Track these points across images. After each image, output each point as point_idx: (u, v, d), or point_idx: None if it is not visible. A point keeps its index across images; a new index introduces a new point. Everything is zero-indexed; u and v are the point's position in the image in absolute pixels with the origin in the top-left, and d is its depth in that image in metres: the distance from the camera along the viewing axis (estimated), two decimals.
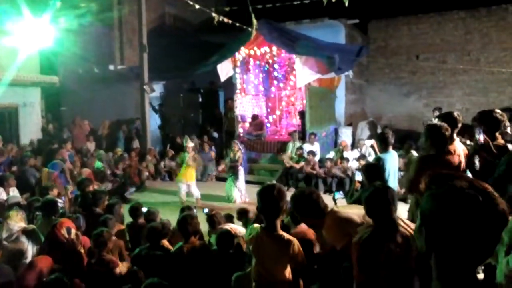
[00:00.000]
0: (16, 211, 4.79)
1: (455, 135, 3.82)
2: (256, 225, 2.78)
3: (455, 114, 3.96)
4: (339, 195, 5.07)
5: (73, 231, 4.04)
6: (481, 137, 3.59)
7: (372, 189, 2.38)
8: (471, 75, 12.29)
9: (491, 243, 1.09)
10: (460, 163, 3.62)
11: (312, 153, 9.69)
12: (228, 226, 4.85)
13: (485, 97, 12.06)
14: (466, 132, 5.75)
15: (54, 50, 10.66)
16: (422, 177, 3.58)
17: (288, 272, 2.62)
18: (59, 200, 6.57)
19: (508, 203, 1.18)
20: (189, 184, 8.31)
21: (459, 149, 3.69)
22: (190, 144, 8.53)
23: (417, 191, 3.55)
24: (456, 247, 1.09)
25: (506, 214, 1.08)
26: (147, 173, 10.70)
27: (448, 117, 3.89)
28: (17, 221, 4.65)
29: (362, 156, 9.25)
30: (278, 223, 2.67)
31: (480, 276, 3.01)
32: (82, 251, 4.10)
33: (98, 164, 9.51)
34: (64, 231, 3.95)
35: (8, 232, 4.49)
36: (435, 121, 3.98)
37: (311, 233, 4.16)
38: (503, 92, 11.98)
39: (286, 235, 2.71)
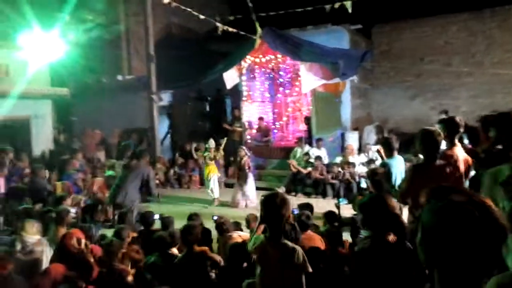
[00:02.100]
0: (32, 223, 4.93)
1: (456, 140, 3.86)
2: (259, 234, 2.84)
3: (458, 119, 3.95)
4: (344, 202, 5.15)
5: (83, 241, 4.16)
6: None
7: (369, 197, 2.43)
8: (476, 77, 12.29)
9: (492, 258, 1.09)
10: (456, 169, 3.58)
11: (319, 158, 9.77)
12: (237, 233, 4.95)
13: (491, 98, 12.04)
14: (472, 135, 5.79)
15: (63, 62, 10.89)
16: (413, 186, 3.63)
17: (293, 281, 2.66)
18: (72, 210, 6.73)
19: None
20: (211, 178, 9.01)
21: (459, 155, 3.65)
22: (212, 144, 9.25)
23: (410, 201, 3.58)
24: (456, 262, 1.09)
25: (505, 228, 1.08)
26: (157, 181, 10.84)
27: (450, 122, 3.91)
28: (32, 234, 4.78)
29: (371, 161, 9.29)
30: (282, 231, 2.73)
31: None
32: (92, 260, 4.22)
33: (109, 172, 9.68)
34: (74, 241, 4.07)
35: (22, 244, 4.61)
36: (437, 125, 4.02)
37: (318, 240, 4.26)
38: (508, 93, 11.95)
39: (290, 244, 2.77)
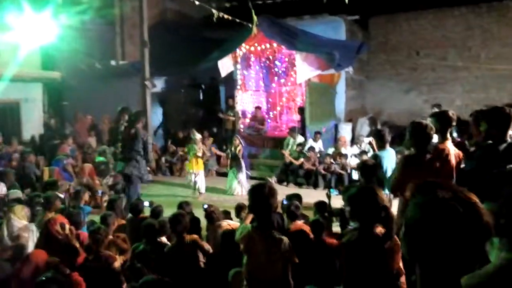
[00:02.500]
0: (21, 207, 4.87)
1: (448, 134, 3.85)
2: (247, 224, 2.83)
3: (450, 113, 3.94)
4: (335, 192, 5.15)
5: (67, 226, 4.13)
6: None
7: (358, 190, 2.42)
8: (471, 71, 12.27)
9: (474, 255, 1.08)
10: (447, 163, 3.58)
11: (312, 149, 9.75)
12: (226, 222, 4.94)
13: (486, 93, 12.04)
14: (464, 130, 5.78)
15: (55, 46, 10.72)
16: (404, 177, 3.62)
17: (279, 271, 2.65)
18: (61, 196, 6.67)
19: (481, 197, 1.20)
20: (196, 174, 8.69)
21: (450, 149, 3.64)
22: (197, 136, 8.88)
23: (400, 192, 3.57)
24: (438, 257, 1.08)
25: (489, 226, 1.07)
26: (148, 168, 10.79)
27: (442, 116, 3.89)
28: (20, 218, 4.73)
29: (363, 152, 9.30)
30: (269, 221, 2.72)
31: None
32: (78, 245, 4.19)
33: (99, 158, 9.60)
34: (58, 227, 4.04)
35: (9, 228, 4.57)
36: (429, 119, 4.00)
37: (307, 230, 4.25)
38: (503, 89, 11.96)
39: (277, 234, 2.76)
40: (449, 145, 3.69)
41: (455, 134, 3.73)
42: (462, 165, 3.77)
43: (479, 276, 1.31)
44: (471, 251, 1.07)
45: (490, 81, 12.16)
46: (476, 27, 12.31)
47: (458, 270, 1.09)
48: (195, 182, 8.74)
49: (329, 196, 4.99)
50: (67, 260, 3.95)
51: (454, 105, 11.92)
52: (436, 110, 6.36)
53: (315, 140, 10.27)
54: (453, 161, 3.65)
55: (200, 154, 8.77)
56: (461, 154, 3.70)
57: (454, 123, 3.90)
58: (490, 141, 3.31)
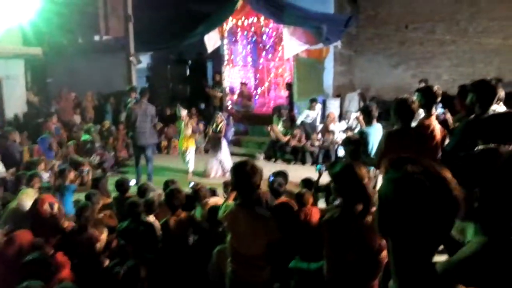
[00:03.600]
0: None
1: (433, 110, 3.85)
2: (230, 201, 2.82)
3: (435, 88, 3.94)
4: (321, 167, 5.16)
5: (56, 205, 4.09)
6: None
7: (341, 167, 2.41)
8: (459, 45, 12.23)
9: (443, 229, 1.09)
10: (431, 139, 3.60)
11: (297, 127, 9.77)
12: (213, 199, 4.93)
13: (472, 68, 12.05)
14: (450, 105, 5.78)
15: (36, 20, 10.38)
16: (387, 152, 3.63)
17: (263, 247, 2.67)
18: (46, 174, 6.61)
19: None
20: (187, 151, 8.47)
21: (435, 125, 3.67)
22: (183, 113, 8.64)
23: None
24: (407, 232, 1.08)
25: (458, 200, 1.07)
26: None
27: (427, 91, 3.89)
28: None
29: (349, 128, 9.33)
30: (253, 198, 2.71)
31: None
32: (66, 225, 4.16)
33: (85, 136, 9.48)
34: (46, 207, 4.00)
35: None
36: (415, 94, 3.99)
37: (293, 204, 4.28)
38: (490, 63, 11.97)
39: (261, 210, 2.76)
40: (434, 121, 3.70)
41: (439, 110, 3.73)
42: (447, 141, 3.79)
43: (456, 262, 1.31)
44: (441, 226, 1.07)
45: (477, 56, 12.16)
46: (464, 1, 12.20)
47: (429, 245, 1.10)
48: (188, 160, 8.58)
49: (320, 173, 5.00)
50: (56, 239, 3.94)
51: (442, 79, 11.94)
52: (423, 85, 6.37)
53: (310, 108, 10.11)
54: (438, 136, 3.67)
55: (189, 131, 8.50)
56: (445, 130, 3.72)
57: (439, 99, 3.91)
58: (472, 116, 3.32)
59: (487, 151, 1.44)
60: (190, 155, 8.55)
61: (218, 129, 8.45)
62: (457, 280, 1.15)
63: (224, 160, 8.46)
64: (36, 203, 4.26)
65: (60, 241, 3.85)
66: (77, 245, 3.72)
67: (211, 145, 8.62)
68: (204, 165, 8.70)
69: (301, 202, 4.06)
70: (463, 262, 1.30)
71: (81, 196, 5.48)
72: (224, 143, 8.59)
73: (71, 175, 6.54)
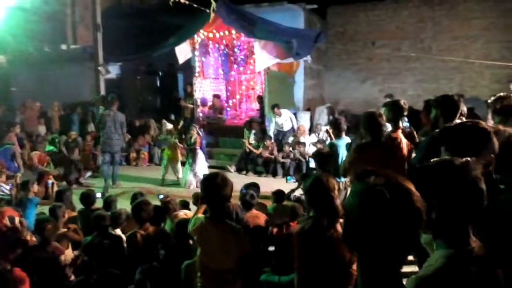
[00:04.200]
0: None
1: (400, 123, 3.96)
2: (200, 215, 2.78)
3: (401, 102, 4.06)
4: (292, 180, 5.19)
5: (17, 219, 3.92)
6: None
7: (312, 179, 2.44)
8: (423, 62, 12.75)
9: (408, 240, 1.08)
10: (398, 152, 3.68)
11: (269, 138, 9.80)
12: (183, 212, 4.85)
13: (436, 83, 12.56)
14: (415, 119, 5.97)
15: (1, 27, 10.06)
16: (353, 164, 3.69)
17: (234, 261, 2.63)
18: (6, 187, 6.33)
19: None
20: (174, 165, 8.88)
21: (402, 138, 3.75)
22: (169, 126, 8.74)
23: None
24: (372, 244, 1.08)
25: (421, 211, 1.07)
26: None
27: (394, 105, 4.00)
28: None
29: (320, 141, 9.46)
30: (223, 211, 2.68)
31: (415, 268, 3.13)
32: (29, 238, 3.98)
33: (49, 147, 9.17)
34: (6, 220, 3.82)
35: None
36: (382, 109, 4.10)
37: (262, 218, 4.26)
38: (452, 80, 12.53)
39: (232, 224, 2.73)
40: (401, 134, 3.80)
41: (405, 124, 3.84)
42: (413, 155, 3.90)
43: (424, 278, 1.31)
44: (405, 237, 1.07)
45: (440, 72, 12.69)
46: (428, 20, 12.76)
47: (394, 257, 1.09)
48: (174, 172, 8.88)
49: (299, 185, 5.03)
50: (16, 254, 3.76)
51: (407, 94, 12.36)
52: (389, 100, 6.56)
53: (275, 115, 10.03)
54: (405, 149, 3.77)
55: (175, 140, 8.90)
56: (411, 144, 3.82)
57: (405, 112, 4.03)
58: (437, 130, 3.43)
59: (442, 163, 1.47)
60: (179, 167, 8.89)
61: (193, 141, 8.45)
62: None
63: (199, 172, 8.44)
64: None
65: (20, 256, 3.67)
66: (39, 260, 3.56)
67: (190, 157, 8.62)
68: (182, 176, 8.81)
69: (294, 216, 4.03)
70: (431, 277, 1.31)
71: (45, 210, 5.28)
72: (200, 154, 8.64)
73: (35, 187, 6.28)
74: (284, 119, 10.17)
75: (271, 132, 10.16)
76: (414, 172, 1.76)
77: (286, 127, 10.25)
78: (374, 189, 1.07)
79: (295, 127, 10.20)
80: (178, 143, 8.95)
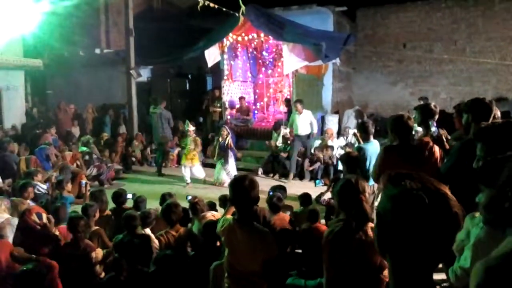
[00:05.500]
0: (0, 200, 4.75)
1: (432, 127, 3.87)
2: (228, 216, 2.80)
3: (432, 105, 3.98)
4: (320, 183, 5.16)
5: (44, 215, 4.08)
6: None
7: (342, 181, 2.41)
8: (456, 64, 12.39)
9: (443, 246, 1.07)
10: (430, 156, 3.60)
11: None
12: (211, 213, 4.90)
13: (470, 86, 12.19)
14: (446, 123, 5.81)
15: (38, 33, 10.47)
16: (384, 167, 3.61)
17: (260, 263, 2.63)
18: (43, 186, 6.57)
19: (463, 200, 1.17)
20: (193, 167, 8.80)
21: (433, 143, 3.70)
22: (191, 128, 8.88)
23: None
24: (407, 250, 1.06)
25: (458, 217, 1.05)
26: (133, 159, 10.71)
27: (424, 108, 3.93)
28: (0, 211, 4.60)
29: (349, 144, 9.30)
30: (251, 214, 2.69)
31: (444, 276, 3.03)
32: (58, 233, 4.13)
33: (82, 148, 9.46)
34: (34, 217, 3.98)
35: None
36: (414, 111, 4.02)
37: (287, 220, 4.26)
38: (487, 82, 12.11)
39: (259, 227, 2.73)
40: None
41: (433, 129, 3.74)
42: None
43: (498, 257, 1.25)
44: (441, 243, 1.05)
45: (474, 75, 12.30)
46: (462, 21, 12.39)
47: (429, 262, 1.08)
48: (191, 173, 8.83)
49: (327, 190, 4.99)
50: (48, 249, 3.90)
51: (439, 97, 12.05)
52: (422, 102, 6.42)
53: (298, 112, 9.25)
54: (437, 153, 3.67)
55: (192, 146, 8.72)
56: (441, 150, 3.73)
57: (436, 116, 3.94)
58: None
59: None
60: (198, 169, 8.89)
61: (227, 142, 8.56)
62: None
63: (232, 171, 8.64)
64: (23, 214, 4.24)
65: (53, 251, 3.82)
66: (71, 256, 3.68)
67: (222, 158, 8.70)
68: (214, 176, 8.91)
69: (314, 218, 4.02)
70: (499, 258, 1.24)
71: (78, 209, 5.45)
72: (231, 155, 8.78)
73: (69, 186, 6.50)
74: (303, 120, 9.28)
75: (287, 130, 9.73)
76: (482, 165, 1.70)
77: (303, 131, 9.26)
78: (411, 193, 1.05)
79: (314, 132, 9.49)
80: (191, 147, 8.73)
